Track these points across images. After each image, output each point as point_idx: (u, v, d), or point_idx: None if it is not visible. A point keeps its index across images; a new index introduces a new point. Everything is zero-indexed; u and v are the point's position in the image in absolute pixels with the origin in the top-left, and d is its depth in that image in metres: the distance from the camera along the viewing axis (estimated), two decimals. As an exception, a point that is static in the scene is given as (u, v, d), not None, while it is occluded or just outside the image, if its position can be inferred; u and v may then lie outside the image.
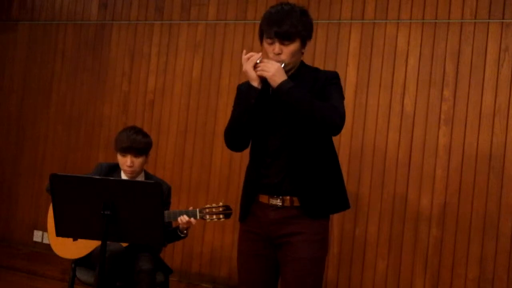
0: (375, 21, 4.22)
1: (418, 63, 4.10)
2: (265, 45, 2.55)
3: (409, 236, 4.04)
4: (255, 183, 2.63)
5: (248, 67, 2.48)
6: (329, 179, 2.59)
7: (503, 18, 3.91)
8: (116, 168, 3.51)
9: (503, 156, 3.86)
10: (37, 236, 5.23)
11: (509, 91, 3.88)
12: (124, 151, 3.38)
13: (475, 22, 3.98)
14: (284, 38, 2.49)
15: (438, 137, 4.01)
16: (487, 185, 3.88)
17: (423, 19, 4.10)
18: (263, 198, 2.59)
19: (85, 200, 2.63)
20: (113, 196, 2.59)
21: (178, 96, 4.80)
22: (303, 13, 2.55)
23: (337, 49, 4.31)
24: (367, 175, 4.17)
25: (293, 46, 2.51)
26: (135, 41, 4.99)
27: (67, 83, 5.24)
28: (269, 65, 2.45)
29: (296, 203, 2.54)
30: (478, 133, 3.92)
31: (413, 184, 4.05)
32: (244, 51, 2.53)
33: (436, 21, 4.07)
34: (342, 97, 2.56)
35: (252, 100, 2.51)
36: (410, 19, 4.14)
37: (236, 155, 4.55)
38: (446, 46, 4.03)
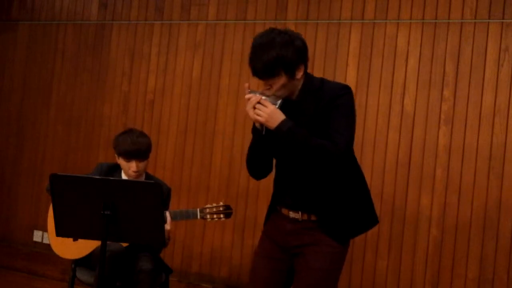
0: (375, 21, 4.21)
1: (418, 63, 4.10)
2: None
3: (409, 236, 4.04)
4: (277, 198, 2.68)
5: (247, 109, 2.48)
6: (353, 198, 2.59)
7: (503, 18, 3.91)
8: (116, 168, 3.51)
9: (503, 156, 3.86)
10: (37, 236, 5.23)
11: (509, 91, 3.88)
12: (129, 156, 3.36)
13: (475, 22, 3.98)
14: (263, 77, 2.46)
15: (438, 137, 4.01)
16: (487, 185, 3.88)
17: (423, 19, 4.10)
18: (284, 210, 2.64)
19: (85, 200, 2.63)
20: (113, 196, 2.59)
21: (178, 96, 4.80)
22: (286, 43, 2.44)
23: (337, 49, 4.31)
24: (367, 175, 4.09)
25: (280, 80, 2.46)
26: (135, 41, 4.99)
27: (67, 83, 5.24)
28: (264, 109, 2.44)
29: (314, 218, 2.57)
30: (478, 133, 3.92)
31: (413, 184, 4.05)
32: (246, 86, 2.53)
33: (436, 21, 4.07)
34: (347, 120, 2.49)
35: (257, 140, 2.57)
36: (410, 19, 4.14)
37: (236, 155, 4.56)
38: (446, 46, 4.03)
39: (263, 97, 2.47)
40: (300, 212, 2.58)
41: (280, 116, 2.44)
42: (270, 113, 2.43)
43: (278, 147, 2.58)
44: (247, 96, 2.48)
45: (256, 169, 2.68)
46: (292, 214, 2.60)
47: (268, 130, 2.50)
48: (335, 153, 2.42)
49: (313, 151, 2.43)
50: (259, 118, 2.45)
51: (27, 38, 5.44)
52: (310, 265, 2.55)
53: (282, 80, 2.46)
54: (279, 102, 2.48)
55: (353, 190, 2.62)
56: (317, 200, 2.55)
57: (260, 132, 2.54)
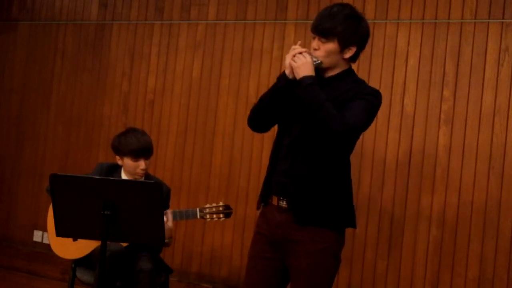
0: (375, 21, 4.21)
1: (418, 63, 4.10)
2: (311, 40, 2.59)
3: (409, 236, 4.04)
4: (268, 179, 2.64)
5: (287, 55, 2.52)
6: (330, 191, 2.54)
7: (503, 18, 3.91)
8: (116, 168, 3.51)
9: (503, 156, 3.86)
10: (37, 236, 5.23)
11: (509, 91, 3.88)
12: (138, 155, 3.37)
13: (475, 22, 3.98)
14: (321, 34, 2.52)
15: (438, 137, 4.01)
16: (487, 185, 3.88)
17: (423, 19, 4.10)
18: (274, 200, 2.60)
19: (85, 200, 2.63)
20: (113, 196, 2.59)
21: (178, 96, 4.80)
22: (350, 16, 2.54)
23: (337, 49, 4.31)
24: (367, 175, 4.16)
25: (330, 45, 2.51)
26: (135, 41, 4.99)
27: (67, 83, 5.24)
28: (301, 57, 2.49)
29: (284, 204, 2.55)
30: (478, 133, 3.92)
31: (413, 184, 4.05)
32: (299, 43, 2.59)
33: (436, 21, 4.07)
34: (363, 112, 2.49)
35: (278, 85, 2.57)
36: (410, 19, 4.14)
37: (236, 155, 4.56)
38: (446, 46, 4.03)
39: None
40: (286, 200, 2.53)
41: (310, 71, 2.47)
42: (305, 63, 2.47)
43: (292, 104, 2.56)
44: (295, 46, 2.54)
45: (260, 117, 2.65)
46: (280, 203, 2.56)
47: (289, 82, 2.52)
48: (339, 129, 2.39)
49: (323, 114, 2.40)
50: (293, 63, 2.48)
51: (27, 38, 5.44)
52: (301, 265, 2.53)
53: (332, 46, 2.52)
54: (318, 62, 2.51)
55: (338, 186, 2.57)
56: (295, 181, 2.52)
57: (284, 79, 2.54)
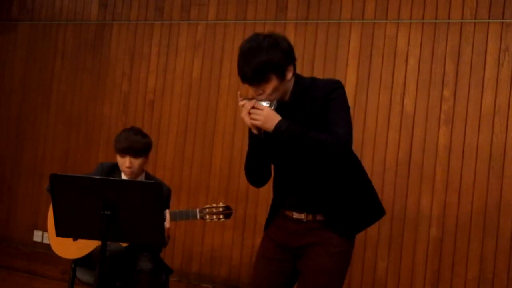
0: (375, 21, 4.21)
1: (418, 63, 4.10)
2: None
3: (409, 236, 4.04)
4: (279, 201, 2.65)
5: (243, 115, 2.45)
6: (357, 193, 2.58)
7: (503, 18, 3.91)
8: (116, 168, 3.50)
9: (503, 156, 3.86)
10: (37, 236, 5.23)
11: (509, 91, 3.88)
12: (123, 152, 3.37)
13: (475, 22, 3.98)
14: (254, 83, 2.44)
15: (438, 137, 4.01)
16: (487, 185, 3.88)
17: (423, 19, 4.10)
18: (288, 212, 2.61)
19: (85, 200, 2.63)
20: (113, 196, 2.59)
21: (178, 96, 4.80)
22: (273, 46, 2.43)
23: (337, 49, 4.31)
24: (367, 175, 4.16)
25: (271, 85, 2.43)
26: (135, 41, 4.99)
27: (67, 83, 5.24)
28: (258, 113, 2.41)
29: (320, 218, 2.55)
30: (478, 133, 3.92)
31: (413, 184, 4.05)
32: (238, 94, 2.51)
33: (436, 21, 4.07)
34: (344, 113, 2.48)
35: (255, 147, 2.55)
36: (410, 19, 4.14)
37: (236, 155, 4.56)
38: (446, 46, 4.03)
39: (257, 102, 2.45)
40: (304, 213, 2.55)
41: (276, 117, 2.41)
42: (266, 115, 2.40)
43: (277, 150, 2.56)
44: (241, 103, 2.46)
45: (256, 176, 2.65)
46: (296, 215, 2.57)
47: (266, 133, 2.47)
48: (338, 147, 2.39)
49: (315, 146, 2.39)
50: (255, 122, 2.41)
51: (27, 38, 5.44)
52: (316, 266, 2.53)
53: (273, 83, 2.43)
54: (274, 103, 2.45)
55: (357, 184, 2.60)
56: (322, 199, 2.53)
57: (258, 138, 2.50)
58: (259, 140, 2.52)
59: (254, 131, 2.47)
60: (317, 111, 2.47)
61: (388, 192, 4.10)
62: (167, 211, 3.24)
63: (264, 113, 2.41)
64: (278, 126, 2.40)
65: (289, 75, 2.48)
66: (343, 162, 2.51)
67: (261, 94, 2.46)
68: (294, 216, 2.58)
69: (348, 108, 2.52)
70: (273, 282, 2.63)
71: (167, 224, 3.20)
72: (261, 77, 2.41)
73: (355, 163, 2.63)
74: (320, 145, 2.39)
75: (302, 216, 2.56)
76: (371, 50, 4.20)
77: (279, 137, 2.42)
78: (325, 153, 2.40)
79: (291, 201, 2.59)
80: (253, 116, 2.41)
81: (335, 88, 2.52)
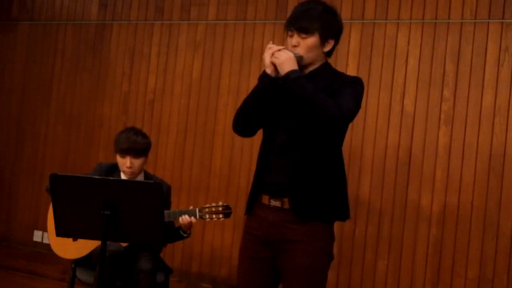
0: (375, 21, 4.22)
1: (418, 63, 4.10)
2: (288, 38, 2.57)
3: (409, 236, 4.04)
4: (259, 180, 2.61)
5: (266, 54, 2.50)
6: (330, 185, 2.55)
7: (503, 18, 3.91)
8: (116, 168, 3.51)
9: (503, 156, 3.86)
10: (37, 236, 5.23)
11: (509, 91, 3.88)
12: (123, 152, 3.38)
13: (475, 22, 3.98)
14: (300, 30, 2.50)
15: (438, 137, 4.01)
16: (487, 185, 3.88)
17: (423, 19, 4.10)
18: (265, 199, 2.58)
19: (85, 200, 2.63)
20: (113, 196, 2.59)
21: (178, 96, 4.80)
22: (326, 11, 2.54)
23: (337, 49, 4.27)
24: (367, 175, 4.16)
25: (310, 40, 2.50)
26: (135, 41, 4.99)
27: (67, 83, 5.24)
28: (282, 53, 2.47)
29: (287, 205, 2.53)
30: (478, 133, 3.92)
31: (413, 184, 4.05)
32: (270, 42, 2.57)
33: (436, 21, 4.07)
34: (354, 98, 2.50)
35: (262, 86, 2.54)
36: (410, 19, 4.14)
37: (236, 155, 4.56)
38: (446, 46, 4.03)
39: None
40: (281, 199, 2.52)
41: (294, 65, 2.45)
42: (287, 58, 2.45)
43: (279, 102, 2.54)
44: (270, 45, 2.51)
45: (244, 123, 2.63)
46: (273, 202, 2.55)
47: (275, 80, 2.49)
48: (339, 114, 2.39)
49: (316, 104, 2.39)
50: (276, 59, 2.45)
51: (27, 38, 5.44)
52: (298, 265, 2.51)
53: (312, 40, 2.50)
54: (299, 56, 2.49)
55: (334, 179, 2.57)
56: (300, 178, 2.50)
57: (267, 81, 2.51)
58: (267, 83, 2.52)
59: (268, 70, 2.50)
60: (332, 93, 2.48)
61: (388, 192, 4.10)
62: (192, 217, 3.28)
63: (286, 56, 2.46)
64: (292, 71, 2.44)
65: (327, 47, 2.56)
66: (336, 150, 2.55)
67: (295, 46, 2.51)
68: (271, 204, 2.55)
69: (360, 95, 2.55)
70: (259, 282, 2.61)
71: (193, 220, 3.23)
72: (308, 24, 2.49)
73: (339, 160, 2.63)
74: (322, 104, 2.39)
75: (278, 203, 2.53)
76: (371, 50, 4.20)
77: (288, 82, 2.44)
78: (325, 115, 2.39)
79: (271, 178, 2.55)
80: (276, 54, 2.46)
81: (355, 80, 2.58)
